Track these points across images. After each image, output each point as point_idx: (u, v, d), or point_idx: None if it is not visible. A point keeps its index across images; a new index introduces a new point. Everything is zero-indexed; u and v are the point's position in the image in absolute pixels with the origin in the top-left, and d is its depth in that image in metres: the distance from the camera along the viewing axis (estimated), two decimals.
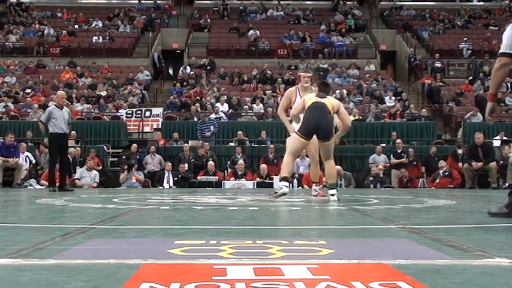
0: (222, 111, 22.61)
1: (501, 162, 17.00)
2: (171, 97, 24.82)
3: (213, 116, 21.52)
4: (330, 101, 8.64)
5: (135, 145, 18.73)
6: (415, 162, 17.97)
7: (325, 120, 8.52)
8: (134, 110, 22.99)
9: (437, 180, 17.03)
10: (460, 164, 17.19)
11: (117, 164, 19.00)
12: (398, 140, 18.88)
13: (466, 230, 4.54)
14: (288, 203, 8.02)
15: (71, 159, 17.43)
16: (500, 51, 5.48)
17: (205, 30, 33.89)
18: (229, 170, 18.04)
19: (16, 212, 7.06)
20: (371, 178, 17.47)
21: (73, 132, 20.16)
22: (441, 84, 26.95)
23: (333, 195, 8.56)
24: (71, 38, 32.08)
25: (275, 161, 18.04)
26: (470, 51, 30.84)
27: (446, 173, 17.05)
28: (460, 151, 17.70)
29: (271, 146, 18.76)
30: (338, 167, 17.71)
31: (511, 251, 3.13)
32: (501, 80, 5.57)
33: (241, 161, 17.52)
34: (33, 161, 17.82)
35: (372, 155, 18.47)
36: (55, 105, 13.28)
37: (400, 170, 17.64)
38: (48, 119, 12.95)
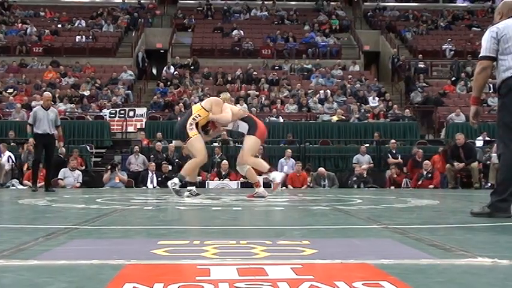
0: None
1: (487, 162, 17.07)
2: (155, 97, 24.76)
3: None
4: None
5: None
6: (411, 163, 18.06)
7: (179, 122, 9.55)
8: (118, 109, 22.92)
9: (420, 182, 17.10)
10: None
11: (101, 164, 18.94)
12: (393, 141, 19.00)
13: (449, 229, 4.56)
14: (272, 203, 8.02)
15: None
16: (480, 54, 5.57)
17: (189, 30, 33.82)
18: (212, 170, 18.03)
19: None
20: (354, 178, 17.52)
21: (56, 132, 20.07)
22: (424, 84, 27.08)
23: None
24: (54, 37, 31.90)
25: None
26: (453, 52, 31.00)
27: (430, 175, 17.13)
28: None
29: (260, 146, 18.71)
30: (321, 168, 17.79)
31: (493, 250, 3.15)
32: (483, 83, 5.64)
33: (225, 161, 17.51)
34: (14, 161, 17.70)
35: (356, 155, 18.52)
36: (41, 106, 13.24)
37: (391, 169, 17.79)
38: (34, 120, 12.92)
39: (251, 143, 9.31)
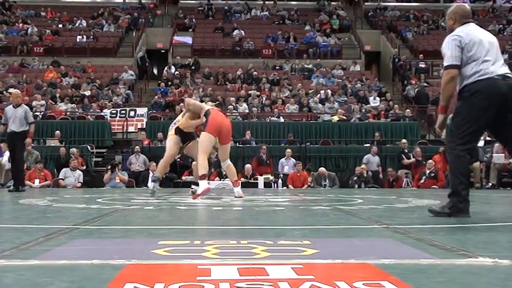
0: None
1: (492, 162, 17.05)
2: (156, 97, 24.76)
3: None
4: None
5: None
6: (424, 162, 18.01)
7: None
8: (118, 109, 22.91)
9: (422, 181, 17.09)
10: None
11: (101, 164, 18.95)
12: (404, 140, 18.97)
13: (449, 229, 4.56)
14: (273, 203, 8.02)
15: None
16: (446, 63, 5.57)
17: (190, 30, 33.81)
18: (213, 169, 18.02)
19: None
20: (355, 178, 17.53)
21: (57, 132, 20.11)
22: (425, 85, 27.08)
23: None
24: (54, 37, 31.90)
25: (268, 161, 18.11)
26: None
27: (432, 174, 17.12)
28: None
29: (264, 146, 18.76)
30: (322, 168, 17.79)
31: (494, 250, 3.15)
32: (452, 92, 5.66)
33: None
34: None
35: (367, 155, 18.47)
36: (11, 105, 13.14)
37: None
38: (6, 119, 12.83)
39: (201, 139, 9.39)
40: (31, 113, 13.64)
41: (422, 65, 29.03)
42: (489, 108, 5.38)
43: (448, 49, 5.53)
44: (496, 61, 5.48)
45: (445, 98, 5.73)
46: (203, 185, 8.85)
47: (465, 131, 5.45)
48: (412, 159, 18.23)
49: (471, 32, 5.57)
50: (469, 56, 5.45)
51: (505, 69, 5.51)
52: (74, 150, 18.52)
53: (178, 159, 17.91)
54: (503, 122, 5.49)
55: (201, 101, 10.39)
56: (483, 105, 5.38)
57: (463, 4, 5.93)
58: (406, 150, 18.55)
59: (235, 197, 9.08)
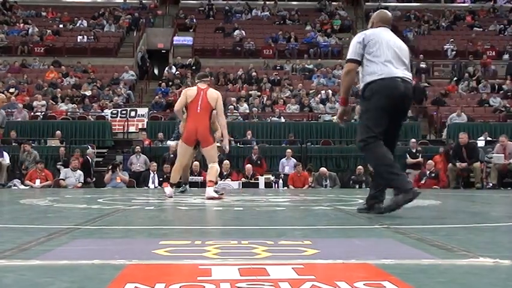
0: None
1: (491, 163, 17.05)
2: (156, 97, 24.77)
3: None
4: None
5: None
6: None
7: None
8: (119, 110, 22.92)
9: (422, 181, 17.09)
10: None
11: (102, 164, 18.97)
12: (413, 140, 18.95)
13: (450, 229, 4.56)
14: (273, 203, 8.02)
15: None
16: (347, 57, 5.84)
17: (191, 30, 33.82)
18: None
19: None
20: (355, 178, 17.55)
21: (58, 132, 20.13)
22: (426, 84, 27.10)
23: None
24: (55, 37, 31.92)
25: (258, 162, 18.09)
26: (454, 52, 30.99)
27: (433, 174, 17.11)
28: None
29: (256, 147, 18.78)
30: (323, 168, 17.81)
31: (495, 250, 3.15)
32: (349, 84, 5.90)
33: (226, 161, 17.50)
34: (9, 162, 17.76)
35: None
36: None
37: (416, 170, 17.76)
38: None
39: (178, 148, 9.63)
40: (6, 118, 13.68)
41: (423, 65, 29.03)
42: (388, 108, 5.56)
43: (351, 45, 5.82)
44: (399, 65, 5.66)
45: (343, 90, 5.94)
46: (168, 191, 9.23)
47: (371, 126, 5.60)
48: (420, 159, 18.17)
49: (377, 33, 5.79)
50: (371, 53, 5.65)
51: (406, 74, 5.69)
52: (90, 151, 18.56)
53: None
54: (392, 123, 5.68)
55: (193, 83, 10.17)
56: (383, 105, 5.56)
57: (385, 11, 6.21)
58: (414, 150, 18.50)
59: (206, 197, 8.84)
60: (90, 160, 18.09)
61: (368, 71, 5.65)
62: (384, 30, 5.87)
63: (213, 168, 9.25)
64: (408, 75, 5.71)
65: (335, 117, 6.29)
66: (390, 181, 5.59)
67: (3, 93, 24.59)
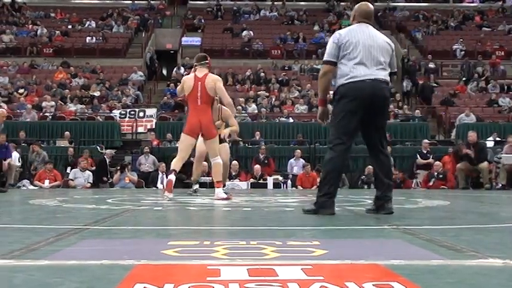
0: None
1: (500, 163, 16.97)
2: (165, 97, 24.80)
3: None
4: None
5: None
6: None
7: None
8: (128, 110, 22.95)
9: (431, 182, 17.04)
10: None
11: (111, 164, 19.01)
12: (425, 141, 18.90)
13: (459, 230, 4.54)
14: (282, 204, 8.02)
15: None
16: (323, 59, 5.82)
17: (199, 31, 33.85)
18: None
19: (9, 212, 7.05)
20: (364, 178, 17.52)
21: (66, 132, 20.20)
22: (434, 85, 27.05)
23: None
24: (64, 38, 32.02)
25: (266, 161, 18.07)
26: (463, 52, 30.90)
27: (441, 175, 17.06)
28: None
29: (263, 146, 18.78)
30: None
31: (504, 251, 3.14)
32: (325, 86, 5.88)
33: (234, 162, 17.51)
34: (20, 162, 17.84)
35: None
36: None
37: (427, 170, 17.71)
38: None
39: (180, 139, 9.23)
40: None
41: (431, 65, 28.97)
42: (357, 111, 5.59)
43: (328, 46, 5.79)
44: (373, 65, 5.62)
45: (320, 91, 6.01)
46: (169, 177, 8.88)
47: (339, 131, 5.67)
48: (430, 160, 18.11)
49: (354, 32, 5.72)
50: (344, 55, 5.64)
51: (380, 74, 5.64)
52: (109, 152, 18.58)
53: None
54: (369, 125, 5.72)
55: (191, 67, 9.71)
56: (351, 108, 5.59)
57: (366, 3, 6.01)
58: (425, 151, 18.45)
59: (215, 198, 8.65)
60: (108, 160, 18.10)
61: (339, 73, 5.68)
62: (361, 27, 5.79)
63: (217, 165, 8.97)
64: (381, 74, 5.65)
65: (317, 118, 6.29)
66: (321, 187, 5.75)
67: (12, 94, 24.75)
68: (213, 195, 8.89)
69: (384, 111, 5.88)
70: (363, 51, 5.60)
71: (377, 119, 5.73)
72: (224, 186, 9.83)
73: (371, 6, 6.08)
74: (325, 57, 5.76)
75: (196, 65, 8.99)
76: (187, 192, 10.24)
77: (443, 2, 38.13)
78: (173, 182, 8.75)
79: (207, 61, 9.07)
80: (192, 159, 9.54)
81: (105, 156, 18.14)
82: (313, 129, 21.18)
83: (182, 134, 8.96)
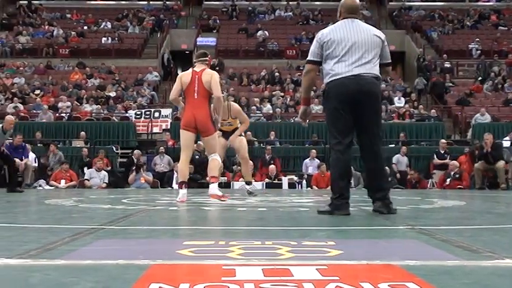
0: None
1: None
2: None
3: None
4: None
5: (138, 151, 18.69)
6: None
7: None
8: (143, 110, 23.03)
9: (447, 182, 16.96)
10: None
11: (126, 164, 19.08)
12: (443, 140, 18.82)
13: (475, 230, 4.52)
14: (297, 204, 8.01)
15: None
16: (307, 58, 5.84)
17: (214, 31, 33.90)
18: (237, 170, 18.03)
19: (25, 212, 7.09)
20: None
21: (82, 133, 20.31)
22: (450, 84, 26.93)
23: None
24: (80, 39, 32.19)
25: (272, 162, 18.05)
26: (479, 51, 30.74)
27: (457, 175, 16.98)
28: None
29: (268, 147, 18.74)
30: None
31: None
32: (308, 85, 6.00)
33: (250, 162, 17.44)
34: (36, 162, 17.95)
35: (396, 155, 18.39)
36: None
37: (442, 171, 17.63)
38: None
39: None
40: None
41: (447, 64, 28.84)
42: (343, 108, 5.55)
43: (312, 45, 5.81)
44: (357, 61, 5.55)
45: (303, 90, 6.16)
46: (181, 192, 8.29)
47: (332, 131, 5.74)
48: (447, 160, 18.02)
49: (337, 30, 5.67)
50: (327, 54, 5.63)
51: (364, 68, 5.56)
52: (137, 152, 18.57)
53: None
54: (358, 122, 5.66)
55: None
56: (335, 106, 5.59)
57: None
58: (442, 151, 18.37)
59: (209, 194, 8.45)
60: (136, 160, 18.11)
61: (324, 73, 5.71)
62: (346, 24, 5.72)
63: (214, 161, 8.57)
64: (367, 70, 5.56)
65: (298, 117, 6.29)
66: (333, 189, 5.77)
67: (28, 94, 24.91)
68: (227, 195, 8.83)
69: (372, 108, 5.65)
70: (345, 48, 5.56)
71: (364, 116, 5.61)
72: (250, 184, 9.76)
73: (356, 0, 6.00)
74: (308, 57, 5.81)
75: (195, 61, 8.71)
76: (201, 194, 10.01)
77: (459, 1, 37.94)
78: (185, 196, 8.30)
79: (206, 58, 8.73)
80: (213, 156, 9.00)
81: (134, 157, 18.17)
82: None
83: (180, 130, 8.57)
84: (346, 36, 5.61)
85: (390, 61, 5.96)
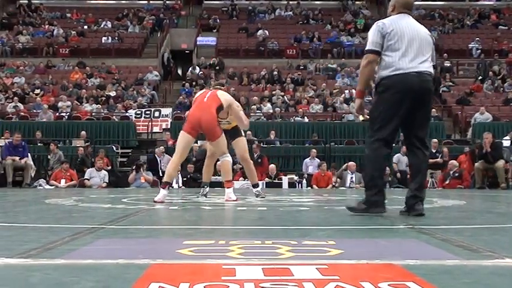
0: None
1: None
2: (180, 97, 24.86)
3: None
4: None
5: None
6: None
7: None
8: (143, 110, 23.05)
9: (447, 181, 16.96)
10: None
11: (127, 164, 19.07)
12: (434, 140, 18.81)
13: (476, 230, 4.52)
14: (297, 204, 8.01)
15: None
16: (366, 48, 5.59)
17: (214, 31, 33.89)
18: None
19: (25, 212, 7.08)
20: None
21: (82, 132, 20.31)
22: (450, 84, 26.92)
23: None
24: (80, 38, 32.18)
25: (259, 160, 17.84)
26: (479, 50, 30.72)
27: (457, 174, 16.97)
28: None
29: (254, 145, 18.50)
30: (351, 162, 17.74)
31: None
32: (369, 77, 5.67)
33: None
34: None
35: (396, 154, 18.37)
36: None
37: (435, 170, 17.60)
38: None
39: (178, 138, 8.59)
40: None
41: (447, 64, 28.84)
42: (402, 104, 5.40)
43: (371, 34, 5.56)
44: (417, 57, 5.44)
45: (362, 81, 5.74)
46: (162, 192, 7.94)
47: (380, 124, 5.48)
48: (438, 159, 18.02)
49: (398, 23, 5.53)
50: (388, 45, 5.45)
51: (424, 66, 5.47)
52: (158, 150, 18.48)
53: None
54: (410, 119, 5.51)
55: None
56: (396, 100, 5.41)
57: None
58: (434, 150, 18.35)
59: (225, 200, 8.31)
60: (159, 159, 18.04)
61: (383, 64, 5.48)
62: (404, 18, 5.61)
63: (226, 164, 8.58)
64: (427, 68, 5.47)
65: (355, 111, 6.10)
66: (368, 187, 5.59)
67: (28, 94, 24.91)
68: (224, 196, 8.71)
69: (427, 105, 5.60)
70: (407, 42, 5.42)
71: (419, 114, 5.50)
72: (257, 186, 9.69)
73: None
74: (369, 46, 5.53)
75: (212, 86, 8.89)
76: (197, 194, 9.81)
77: (459, 1, 37.93)
78: (166, 197, 8.04)
79: (223, 88, 9.02)
80: (224, 158, 8.91)
81: (156, 155, 18.13)
82: (328, 129, 21.17)
83: (181, 132, 8.42)
84: (407, 30, 5.49)
85: (436, 63, 5.88)
